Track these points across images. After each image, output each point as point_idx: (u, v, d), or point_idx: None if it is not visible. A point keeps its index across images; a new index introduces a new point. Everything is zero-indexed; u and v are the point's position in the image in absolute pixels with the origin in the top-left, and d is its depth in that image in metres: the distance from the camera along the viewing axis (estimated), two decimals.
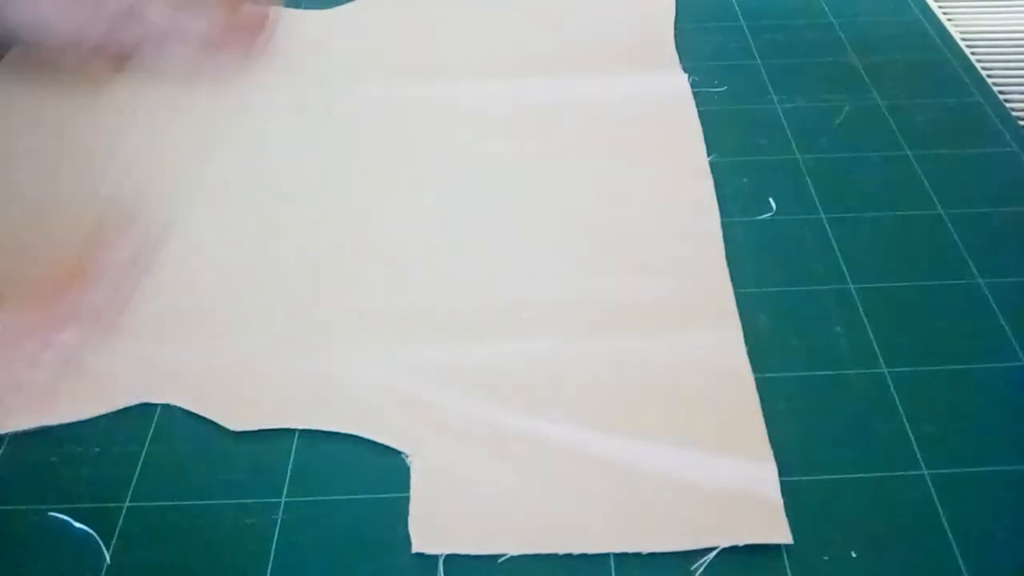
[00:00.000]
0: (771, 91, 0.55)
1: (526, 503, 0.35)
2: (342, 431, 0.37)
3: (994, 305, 0.42)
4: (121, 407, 0.39)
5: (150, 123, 0.54)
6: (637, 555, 0.33)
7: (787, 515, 0.34)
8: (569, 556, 0.33)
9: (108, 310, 0.40)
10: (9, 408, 0.38)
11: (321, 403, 0.38)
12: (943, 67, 0.57)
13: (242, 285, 0.44)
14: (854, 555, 0.33)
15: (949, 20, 0.62)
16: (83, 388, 0.39)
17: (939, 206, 0.47)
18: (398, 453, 0.36)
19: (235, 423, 0.38)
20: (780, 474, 0.35)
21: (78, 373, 0.40)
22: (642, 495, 0.35)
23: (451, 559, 0.33)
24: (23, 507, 0.35)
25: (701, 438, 0.36)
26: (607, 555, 0.33)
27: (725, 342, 0.40)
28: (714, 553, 0.33)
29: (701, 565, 0.33)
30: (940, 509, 0.34)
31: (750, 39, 0.60)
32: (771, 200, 0.47)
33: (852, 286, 0.43)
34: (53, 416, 0.38)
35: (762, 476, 0.35)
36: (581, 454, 0.36)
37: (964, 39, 0.60)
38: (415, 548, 0.33)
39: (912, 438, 0.36)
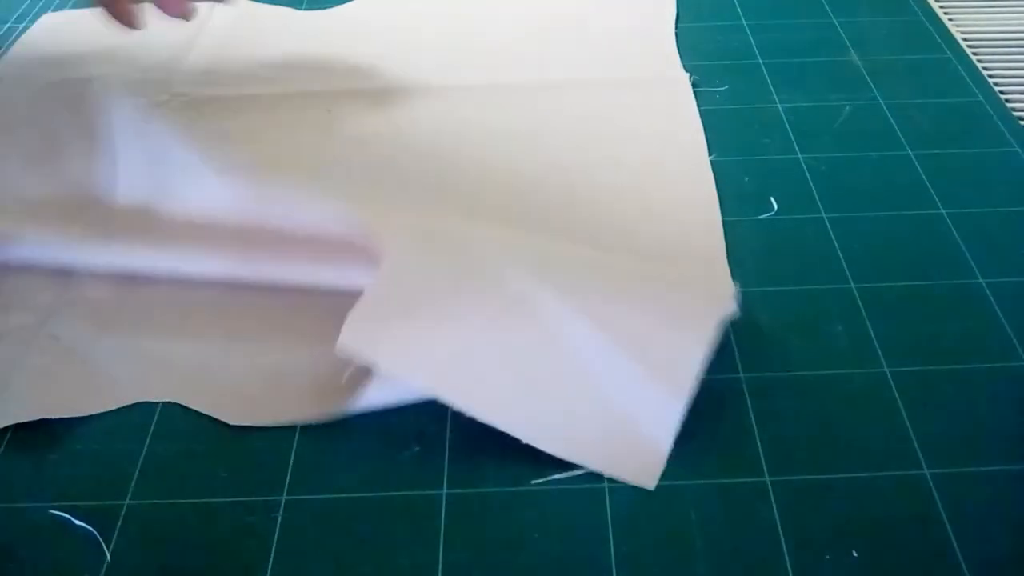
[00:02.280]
0: (772, 90, 0.55)
1: (461, 350, 0.36)
2: (345, 414, 0.37)
3: (995, 305, 0.42)
4: (121, 405, 0.38)
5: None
6: (636, 550, 0.33)
7: (788, 514, 0.34)
8: (572, 539, 0.33)
9: None
10: (9, 398, 0.38)
11: (320, 399, 0.38)
12: (944, 67, 0.57)
13: (241, 280, 0.44)
14: (855, 555, 0.33)
15: (950, 20, 0.62)
16: (83, 385, 0.39)
17: (940, 206, 0.47)
18: (401, 451, 0.36)
19: (235, 418, 0.38)
20: (780, 473, 0.35)
21: (78, 369, 0.40)
22: (555, 383, 0.36)
23: (450, 556, 0.33)
24: (23, 505, 0.35)
25: (639, 349, 0.37)
26: (608, 544, 0.33)
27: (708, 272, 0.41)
28: (575, 473, 0.35)
29: (550, 480, 0.35)
30: (941, 509, 0.34)
31: (751, 38, 0.60)
32: (772, 199, 0.47)
33: (853, 285, 0.43)
34: (53, 409, 0.38)
35: (665, 415, 0.36)
36: (533, 320, 0.37)
37: (965, 39, 0.60)
38: (340, 342, 0.35)
39: (913, 437, 0.36)
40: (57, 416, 0.38)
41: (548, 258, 0.40)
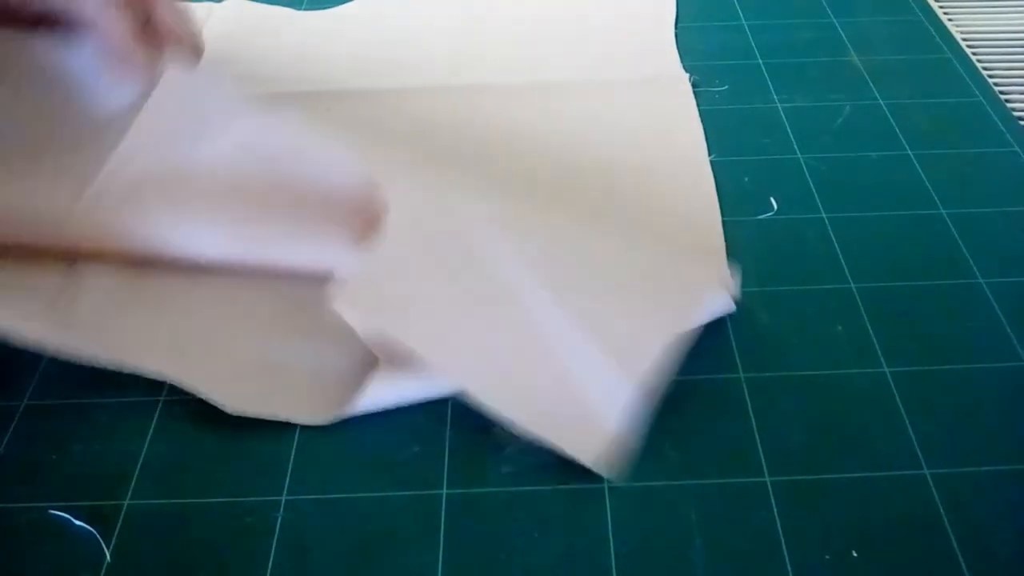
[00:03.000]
0: (772, 90, 0.55)
1: (445, 322, 0.38)
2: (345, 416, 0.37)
3: (995, 305, 0.42)
4: (124, 369, 0.38)
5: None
6: (635, 549, 0.33)
7: (788, 514, 0.34)
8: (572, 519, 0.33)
9: None
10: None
11: (322, 402, 0.38)
12: (944, 67, 0.57)
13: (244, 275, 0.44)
14: (855, 554, 0.33)
15: (950, 20, 0.62)
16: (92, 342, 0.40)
17: (940, 206, 0.47)
18: (401, 451, 0.36)
19: (234, 406, 0.38)
20: (780, 473, 0.35)
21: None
22: (532, 363, 0.37)
23: (450, 556, 0.33)
24: (23, 505, 0.35)
25: (615, 341, 0.38)
26: (606, 532, 0.33)
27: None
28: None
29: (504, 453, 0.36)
30: (941, 509, 0.34)
31: (751, 38, 0.60)
32: (772, 199, 0.47)
33: (853, 285, 0.43)
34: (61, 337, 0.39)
35: (618, 402, 0.36)
36: (518, 305, 0.39)
37: (965, 39, 0.60)
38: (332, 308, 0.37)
39: (913, 437, 0.36)
40: (59, 351, 0.38)
41: (536, 240, 0.42)
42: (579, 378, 0.37)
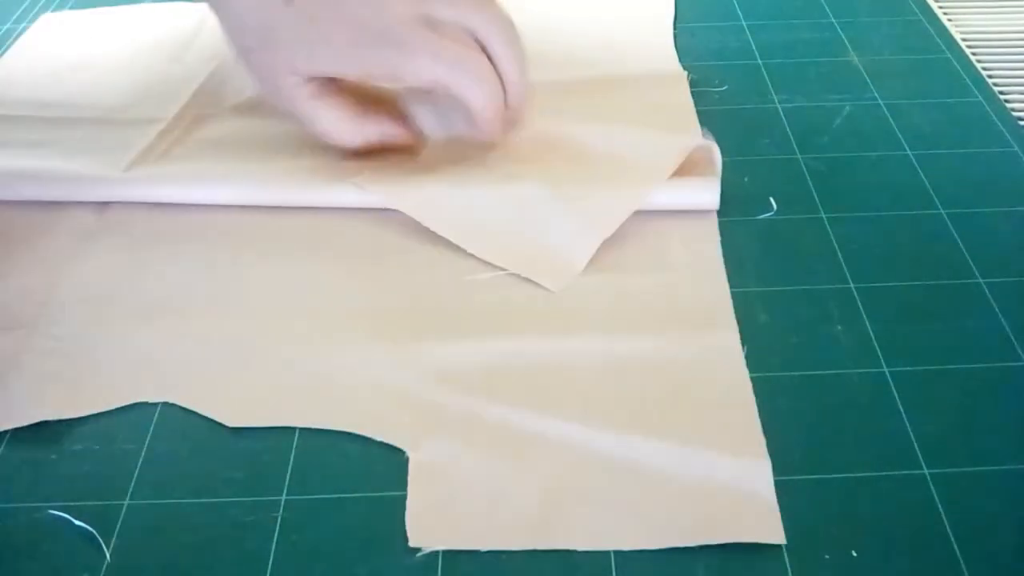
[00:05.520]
0: (771, 90, 0.55)
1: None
2: (340, 429, 0.37)
3: (994, 305, 0.42)
4: (117, 405, 0.38)
5: None
6: (637, 552, 0.33)
7: (787, 514, 0.34)
8: (570, 553, 0.33)
9: None
10: (7, 399, 0.38)
11: (319, 401, 0.38)
12: (943, 67, 0.57)
13: (237, 281, 0.44)
14: (855, 554, 0.33)
15: (949, 20, 0.62)
16: (80, 385, 0.39)
17: (939, 206, 0.47)
18: (400, 451, 0.36)
19: (233, 420, 0.38)
20: (780, 473, 0.35)
21: (72, 370, 0.40)
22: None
23: (450, 556, 0.33)
24: (23, 505, 0.35)
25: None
26: (607, 553, 0.33)
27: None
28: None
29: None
30: (941, 508, 0.34)
31: (750, 38, 0.60)
32: (771, 200, 0.47)
33: (852, 285, 0.43)
34: (50, 412, 0.38)
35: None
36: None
37: (964, 39, 0.60)
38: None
39: (913, 437, 0.36)
40: (54, 418, 0.38)
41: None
42: (545, 223, 0.44)
